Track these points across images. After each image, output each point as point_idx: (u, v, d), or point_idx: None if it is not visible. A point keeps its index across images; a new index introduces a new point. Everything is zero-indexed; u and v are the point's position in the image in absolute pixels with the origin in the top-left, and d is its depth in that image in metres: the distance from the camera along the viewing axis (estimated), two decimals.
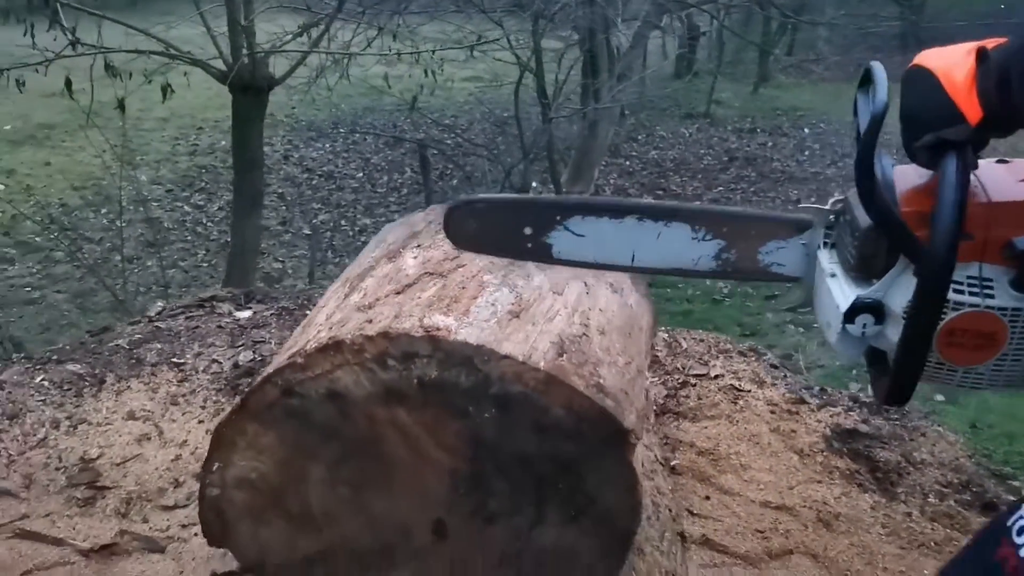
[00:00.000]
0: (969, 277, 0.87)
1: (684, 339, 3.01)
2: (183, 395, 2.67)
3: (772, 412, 2.60)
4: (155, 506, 2.21)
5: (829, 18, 10.49)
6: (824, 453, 2.42)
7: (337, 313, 1.40)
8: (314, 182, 10.15)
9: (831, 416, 2.60)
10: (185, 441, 2.44)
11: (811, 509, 2.18)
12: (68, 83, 5.08)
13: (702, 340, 3.03)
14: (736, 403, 2.63)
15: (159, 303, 3.60)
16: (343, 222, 9.15)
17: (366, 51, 5.90)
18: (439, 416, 1.24)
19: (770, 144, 11.47)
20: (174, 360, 2.86)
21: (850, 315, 0.92)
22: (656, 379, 2.75)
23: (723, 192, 9.92)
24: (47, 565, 1.99)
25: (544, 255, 1.08)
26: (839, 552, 2.03)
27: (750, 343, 3.03)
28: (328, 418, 1.26)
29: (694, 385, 2.73)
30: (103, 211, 8.59)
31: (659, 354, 2.90)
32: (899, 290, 0.90)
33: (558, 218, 1.08)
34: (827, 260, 0.99)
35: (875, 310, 0.91)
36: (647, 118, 12.36)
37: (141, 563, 2.01)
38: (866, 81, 0.90)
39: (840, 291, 0.94)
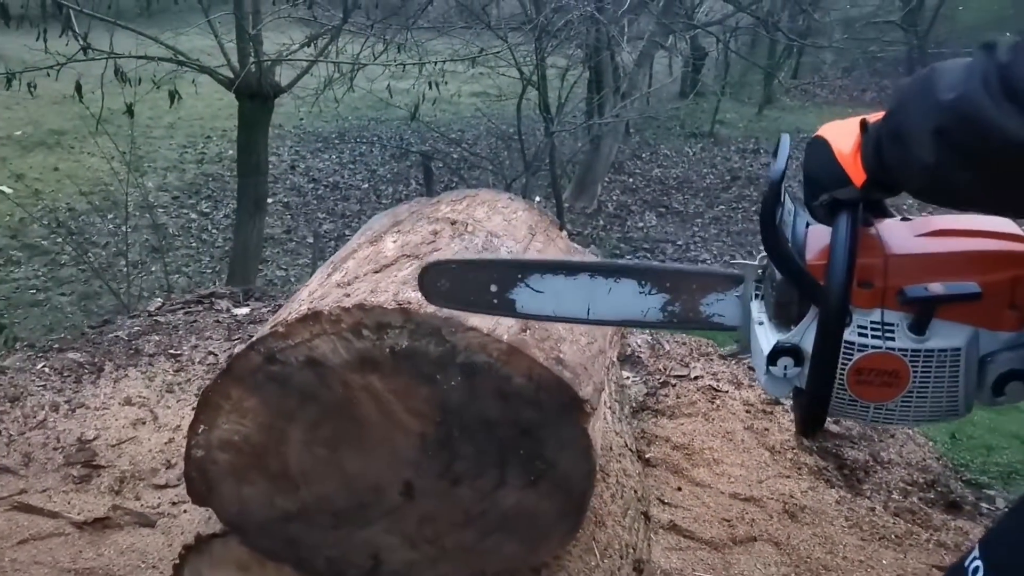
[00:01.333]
0: (873, 322, 0.96)
1: (667, 342, 3.10)
2: (179, 383, 2.76)
3: (747, 411, 2.68)
4: (147, 485, 2.30)
5: (834, 42, 10.60)
6: (795, 450, 2.50)
7: (319, 289, 1.49)
8: (319, 192, 10.28)
9: None
10: (179, 426, 2.53)
11: (778, 501, 2.26)
12: (78, 87, 5.22)
13: (684, 343, 3.12)
14: (713, 402, 2.72)
15: (158, 299, 3.70)
16: (347, 231, 9.25)
17: (372, 62, 6.02)
18: (409, 383, 1.33)
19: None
20: (171, 351, 2.96)
21: (772, 358, 1.00)
22: (638, 378, 2.83)
23: (724, 211, 10.01)
24: (43, 535, 2.08)
25: (509, 310, 1.19)
26: (801, 541, 2.11)
27: (731, 347, 3.11)
28: (307, 383, 1.35)
29: (674, 385, 2.82)
30: (110, 216, 8.72)
31: (642, 355, 2.98)
32: (811, 334, 0.99)
33: (519, 276, 1.19)
34: (757, 310, 1.08)
35: (793, 353, 0.99)
36: (651, 136, 12.49)
37: (132, 536, 2.10)
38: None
39: (764, 337, 1.03)
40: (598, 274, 1.19)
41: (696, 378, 2.88)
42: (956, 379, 0.97)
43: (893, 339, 0.95)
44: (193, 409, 2.62)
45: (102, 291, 7.24)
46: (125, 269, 7.15)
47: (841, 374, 0.97)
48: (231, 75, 5.46)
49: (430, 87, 6.40)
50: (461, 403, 1.33)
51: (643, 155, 11.92)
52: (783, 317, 1.03)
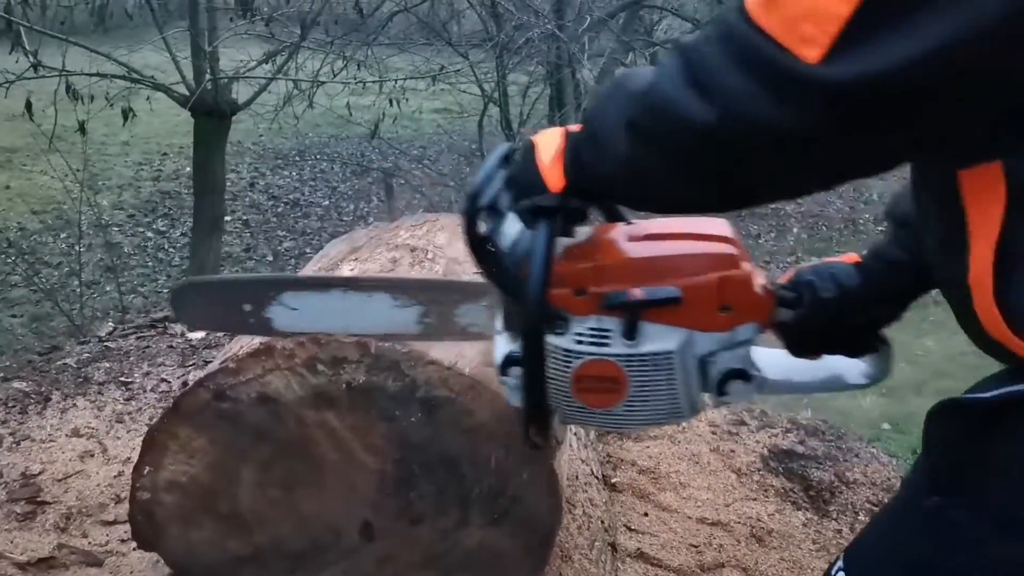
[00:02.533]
0: (590, 329, 0.97)
1: None
2: (129, 413, 2.67)
3: (713, 433, 2.66)
4: (95, 521, 2.20)
5: None
6: (761, 472, 2.48)
7: None
8: (279, 209, 10.14)
9: (769, 437, 2.67)
10: (129, 458, 2.43)
11: (745, 525, 2.23)
12: (28, 105, 5.09)
13: None
14: (679, 424, 2.69)
15: (110, 324, 3.59)
16: (308, 249, 9.13)
17: (331, 80, 5.96)
18: (367, 419, 1.28)
19: None
20: (122, 379, 2.86)
21: (503, 368, 1.02)
22: None
23: None
24: None
25: (265, 329, 1.20)
26: (769, 566, 2.08)
27: None
28: (259, 421, 1.30)
29: None
30: (63, 235, 8.50)
31: None
32: None
33: (271, 294, 1.20)
34: (496, 319, 1.08)
35: (519, 362, 1.00)
36: None
37: None
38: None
39: (498, 346, 1.04)
40: (350, 290, 1.22)
41: None
42: (673, 382, 0.97)
43: (608, 345, 0.96)
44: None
45: (54, 312, 7.04)
46: (78, 290, 6.97)
47: (566, 382, 0.98)
48: (187, 92, 5.36)
49: (391, 104, 6.35)
50: (422, 439, 1.29)
51: None
52: (511, 327, 1.03)
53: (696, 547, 2.12)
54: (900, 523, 0.82)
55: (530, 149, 0.96)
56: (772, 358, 1.05)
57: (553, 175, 0.91)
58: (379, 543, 1.35)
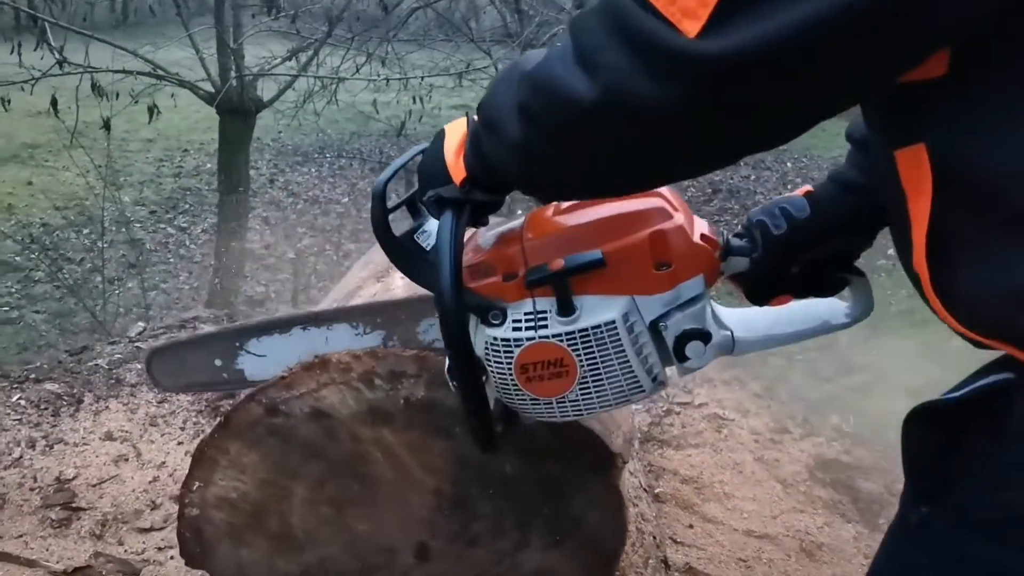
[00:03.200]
0: (526, 313, 0.93)
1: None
2: (162, 416, 2.64)
3: (756, 441, 2.60)
4: (131, 528, 2.17)
5: None
6: (807, 483, 2.42)
7: None
8: (299, 206, 10.12)
9: (814, 446, 2.61)
10: (163, 463, 2.41)
11: (794, 539, 2.17)
12: (54, 102, 5.08)
13: None
14: (720, 432, 2.63)
15: (140, 324, 3.56)
16: (328, 247, 9.11)
17: (355, 76, 5.92)
18: (424, 436, 1.23)
19: (753, 177, 11.56)
20: None
21: (450, 372, 0.97)
22: (640, 406, 2.74)
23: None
24: None
25: (241, 380, 1.19)
26: None
27: (734, 372, 3.03)
28: (312, 437, 1.25)
29: (678, 413, 2.73)
30: (85, 231, 8.51)
31: None
32: (478, 343, 0.96)
33: (237, 345, 1.20)
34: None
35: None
36: None
37: None
38: None
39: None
40: (310, 325, 1.21)
41: (700, 405, 2.79)
42: (623, 354, 0.92)
43: (546, 327, 0.92)
44: (178, 444, 2.50)
45: (77, 308, 7.05)
46: (101, 286, 6.98)
47: (511, 374, 0.94)
48: (212, 89, 5.34)
49: (414, 101, 6.31)
50: (481, 459, 1.23)
51: None
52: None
53: (745, 561, 2.06)
54: (895, 539, 0.79)
55: (439, 139, 0.93)
56: (746, 316, 1.00)
57: (456, 166, 0.88)
58: (434, 564, 1.30)
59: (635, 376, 0.94)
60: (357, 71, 6.13)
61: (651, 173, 0.75)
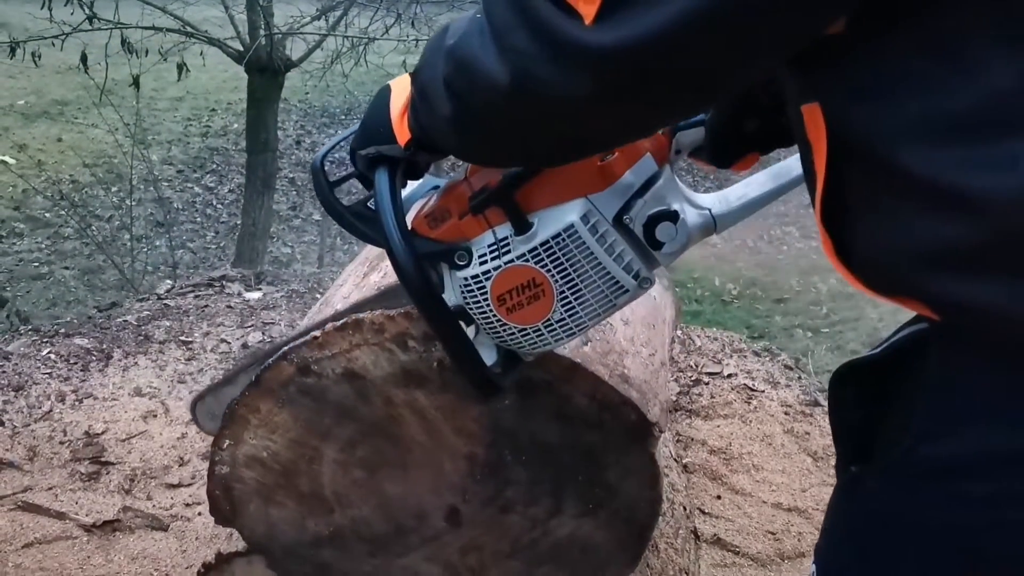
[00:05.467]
0: (488, 245, 0.93)
1: (698, 337, 2.98)
2: (190, 373, 2.64)
3: (786, 413, 2.56)
4: (159, 483, 2.18)
5: None
6: None
7: (356, 292, 1.37)
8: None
9: None
10: (191, 420, 2.41)
11: (824, 512, 2.14)
12: (84, 58, 5.06)
13: (716, 339, 2.99)
14: (749, 403, 2.60)
15: (168, 281, 3.57)
16: None
17: (384, 36, 5.85)
18: (458, 400, 1.21)
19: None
20: (182, 338, 2.84)
21: None
22: (668, 375, 2.71)
23: None
24: (49, 539, 1.97)
25: None
26: None
27: (764, 343, 2.99)
28: (344, 398, 1.23)
29: (707, 383, 2.70)
30: (113, 189, 8.56)
31: (672, 351, 2.86)
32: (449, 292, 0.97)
33: None
34: None
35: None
36: None
37: (143, 540, 1.99)
38: None
39: None
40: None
41: (730, 376, 2.75)
42: (593, 258, 0.91)
43: (510, 251, 0.92)
44: None
45: (105, 265, 7.11)
46: (129, 243, 7.02)
47: (491, 311, 0.94)
48: (240, 48, 5.30)
49: None
50: (515, 424, 1.21)
51: None
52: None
53: (774, 534, 2.04)
54: (834, 503, 0.78)
55: (384, 95, 0.90)
56: (721, 194, 0.97)
57: (401, 128, 0.87)
58: (465, 530, 1.28)
59: (613, 278, 0.92)
60: (386, 31, 6.05)
61: (576, 148, 0.75)
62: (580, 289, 0.93)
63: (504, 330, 0.96)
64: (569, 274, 0.92)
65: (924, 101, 0.58)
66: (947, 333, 0.64)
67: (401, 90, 0.89)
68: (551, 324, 0.95)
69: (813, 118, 0.65)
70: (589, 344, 1.23)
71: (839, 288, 6.98)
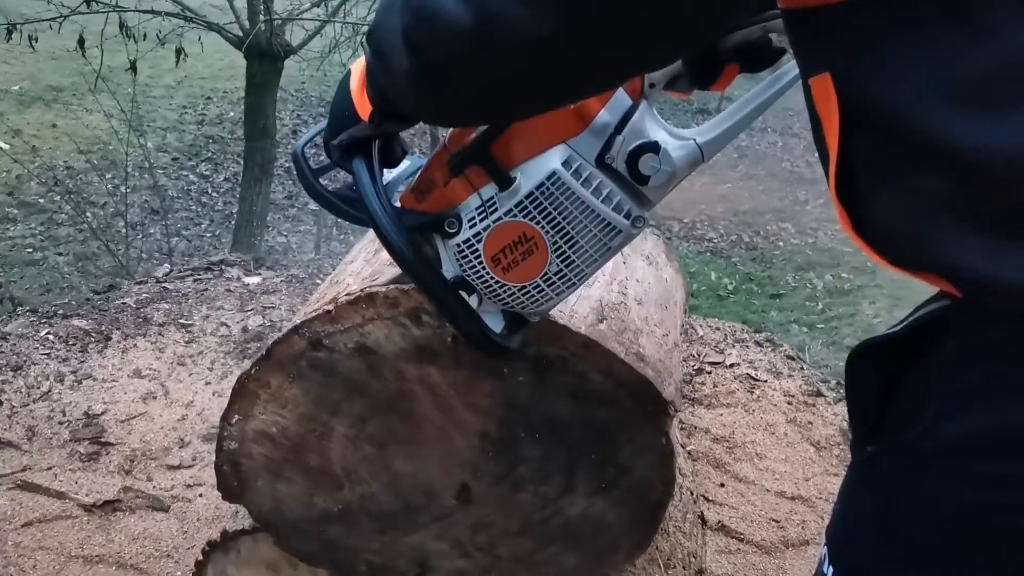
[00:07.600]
0: (476, 208, 0.93)
1: (700, 326, 2.97)
2: (190, 356, 2.62)
3: (789, 403, 2.56)
4: (159, 465, 2.17)
5: None
6: (841, 446, 2.38)
7: (367, 267, 1.35)
8: (322, 157, 10.05)
9: None
10: (191, 402, 2.40)
11: (827, 501, 2.14)
12: (81, 41, 5.02)
13: (718, 328, 2.99)
14: (752, 392, 2.59)
15: (166, 265, 3.55)
16: None
17: None
18: (471, 376, 1.19)
19: (780, 144, 11.41)
20: (181, 321, 2.82)
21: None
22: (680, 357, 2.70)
23: (732, 188, 9.86)
24: (48, 518, 1.95)
25: None
26: None
27: (767, 334, 2.98)
28: (355, 373, 1.21)
29: (710, 372, 2.69)
30: (108, 175, 8.50)
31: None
32: (447, 264, 0.98)
33: None
34: None
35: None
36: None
37: (144, 521, 1.97)
38: None
39: None
40: None
41: (732, 365, 2.75)
42: (581, 202, 0.91)
43: (496, 209, 0.92)
44: (206, 384, 2.48)
45: (100, 252, 7.06)
46: (124, 230, 6.98)
47: (488, 273, 0.95)
48: (240, 33, 5.26)
49: None
50: (529, 401, 1.20)
51: None
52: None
53: (778, 522, 2.04)
54: (847, 484, 0.76)
55: (345, 79, 0.89)
56: (705, 124, 0.96)
57: (362, 102, 0.85)
58: (476, 507, 1.27)
59: (604, 220, 0.92)
60: None
61: (543, 97, 0.73)
62: (573, 236, 0.92)
63: (504, 291, 0.96)
64: (559, 223, 0.91)
65: (940, 64, 0.57)
66: (966, 309, 0.63)
67: (358, 67, 0.88)
68: (549, 278, 0.95)
69: (823, 90, 0.63)
70: (605, 322, 1.22)
71: (834, 284, 7.00)
